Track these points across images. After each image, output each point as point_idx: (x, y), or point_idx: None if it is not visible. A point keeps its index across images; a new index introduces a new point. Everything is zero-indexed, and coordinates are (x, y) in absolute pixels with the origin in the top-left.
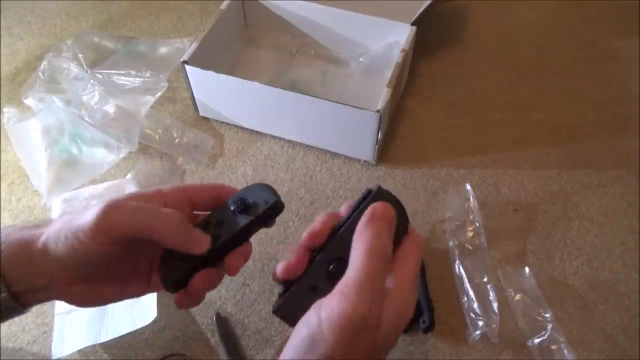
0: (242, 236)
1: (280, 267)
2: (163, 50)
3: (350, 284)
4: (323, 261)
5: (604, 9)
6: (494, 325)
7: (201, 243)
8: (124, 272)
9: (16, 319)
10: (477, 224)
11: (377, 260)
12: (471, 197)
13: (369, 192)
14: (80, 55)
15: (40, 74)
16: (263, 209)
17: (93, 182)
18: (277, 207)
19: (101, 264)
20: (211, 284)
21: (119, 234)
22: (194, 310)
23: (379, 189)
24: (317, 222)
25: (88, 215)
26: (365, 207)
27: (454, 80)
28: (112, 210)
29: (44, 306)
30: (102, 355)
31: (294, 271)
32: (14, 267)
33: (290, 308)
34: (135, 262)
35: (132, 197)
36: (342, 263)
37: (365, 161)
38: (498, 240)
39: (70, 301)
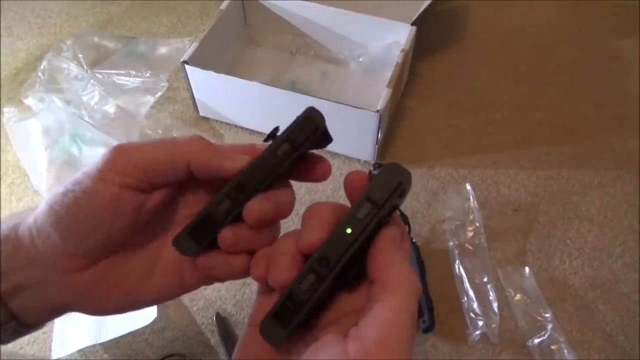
0: (277, 166)
1: (270, 277)
2: (163, 50)
3: (392, 330)
4: (315, 253)
5: (604, 9)
6: (494, 325)
7: (236, 158)
8: (146, 251)
9: None
10: (477, 224)
11: (417, 298)
12: (471, 197)
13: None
14: (80, 55)
15: (40, 74)
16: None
17: None
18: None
19: (115, 225)
20: (242, 240)
21: (136, 170)
22: (193, 310)
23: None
24: (317, 225)
25: (94, 161)
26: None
27: (454, 80)
28: (124, 148)
29: None
30: (102, 355)
31: (285, 281)
32: None
33: (277, 325)
34: (161, 236)
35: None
36: (338, 256)
37: (365, 161)
38: (498, 240)
39: (75, 302)
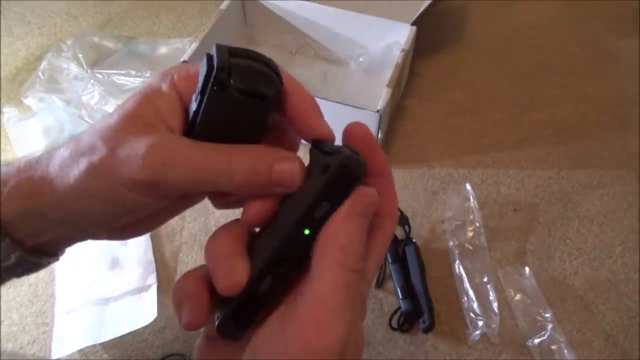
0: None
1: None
2: (163, 50)
3: (322, 305)
4: (270, 254)
5: (604, 9)
6: (494, 325)
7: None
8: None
9: (16, 319)
10: (477, 224)
11: (355, 274)
12: (471, 197)
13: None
14: (80, 55)
15: (40, 74)
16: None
17: None
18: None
19: (140, 216)
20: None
21: (177, 191)
22: None
23: (345, 160)
24: (227, 264)
25: (131, 160)
26: (329, 182)
27: (454, 80)
28: (168, 156)
29: (44, 306)
30: (102, 355)
31: (239, 287)
32: (22, 222)
33: (236, 325)
34: None
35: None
36: (295, 255)
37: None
38: (498, 240)
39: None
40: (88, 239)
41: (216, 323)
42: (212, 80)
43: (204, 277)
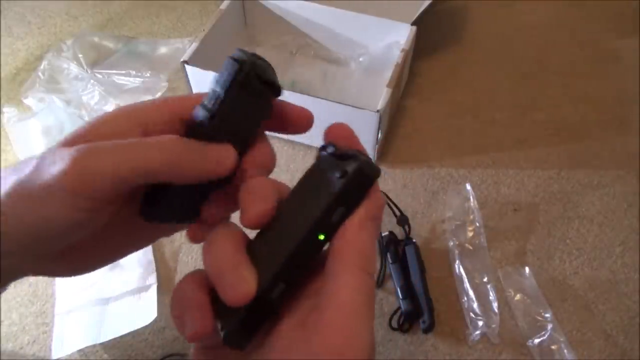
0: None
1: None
2: (163, 50)
3: (347, 311)
4: (284, 259)
5: (604, 9)
6: (494, 325)
7: (227, 155)
8: (122, 225)
9: (16, 319)
10: (477, 224)
11: (372, 278)
12: (471, 197)
13: (324, 155)
14: (80, 55)
15: (40, 74)
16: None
17: None
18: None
19: (86, 233)
20: (231, 205)
21: (106, 188)
22: None
23: (363, 166)
24: (258, 196)
25: (53, 170)
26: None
27: (454, 80)
28: (89, 155)
29: (44, 306)
30: (102, 355)
31: (249, 296)
32: None
33: (245, 334)
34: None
35: (88, 132)
36: (309, 260)
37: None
38: (498, 240)
39: (52, 275)
40: (29, 273)
41: (222, 333)
42: (242, 74)
43: (203, 282)
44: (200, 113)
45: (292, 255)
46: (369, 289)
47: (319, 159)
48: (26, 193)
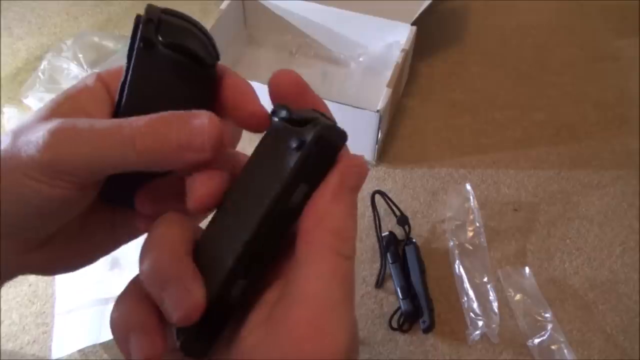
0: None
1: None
2: None
3: (318, 305)
4: (240, 252)
5: (604, 9)
6: (494, 325)
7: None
8: (103, 218)
9: (16, 319)
10: (477, 224)
11: (351, 262)
12: (471, 197)
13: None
14: (80, 55)
15: (40, 73)
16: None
17: None
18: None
19: (68, 216)
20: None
21: (80, 177)
22: None
23: (323, 132)
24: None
25: (28, 151)
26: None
27: (454, 80)
28: (63, 141)
29: (44, 306)
30: (102, 355)
31: (199, 310)
32: None
33: (202, 342)
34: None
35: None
36: (270, 249)
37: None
38: (498, 240)
39: (31, 272)
40: (15, 269)
41: (178, 343)
42: (139, 35)
43: (144, 297)
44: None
45: (246, 248)
46: (346, 275)
47: (271, 126)
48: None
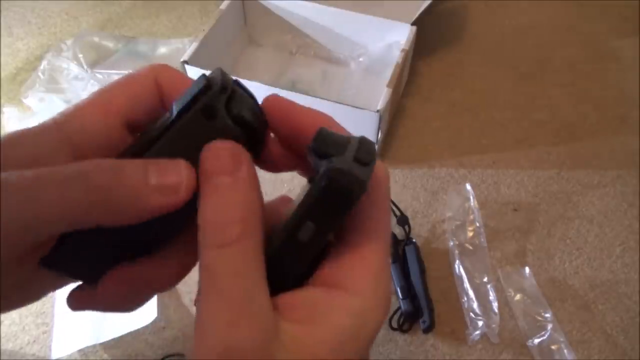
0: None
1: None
2: (163, 50)
3: (369, 283)
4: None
5: (604, 9)
6: (494, 325)
7: (177, 175)
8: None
9: (16, 319)
10: (477, 224)
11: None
12: (471, 197)
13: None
14: (80, 55)
15: (40, 73)
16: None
17: None
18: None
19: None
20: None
21: (11, 243)
22: (193, 310)
23: (332, 174)
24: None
25: None
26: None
27: (454, 80)
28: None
29: (44, 306)
30: (102, 355)
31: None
32: None
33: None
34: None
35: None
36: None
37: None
38: (498, 240)
39: None
40: None
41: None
42: (204, 99)
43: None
44: (149, 129)
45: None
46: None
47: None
48: None
